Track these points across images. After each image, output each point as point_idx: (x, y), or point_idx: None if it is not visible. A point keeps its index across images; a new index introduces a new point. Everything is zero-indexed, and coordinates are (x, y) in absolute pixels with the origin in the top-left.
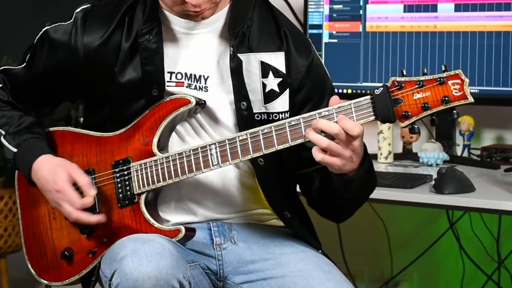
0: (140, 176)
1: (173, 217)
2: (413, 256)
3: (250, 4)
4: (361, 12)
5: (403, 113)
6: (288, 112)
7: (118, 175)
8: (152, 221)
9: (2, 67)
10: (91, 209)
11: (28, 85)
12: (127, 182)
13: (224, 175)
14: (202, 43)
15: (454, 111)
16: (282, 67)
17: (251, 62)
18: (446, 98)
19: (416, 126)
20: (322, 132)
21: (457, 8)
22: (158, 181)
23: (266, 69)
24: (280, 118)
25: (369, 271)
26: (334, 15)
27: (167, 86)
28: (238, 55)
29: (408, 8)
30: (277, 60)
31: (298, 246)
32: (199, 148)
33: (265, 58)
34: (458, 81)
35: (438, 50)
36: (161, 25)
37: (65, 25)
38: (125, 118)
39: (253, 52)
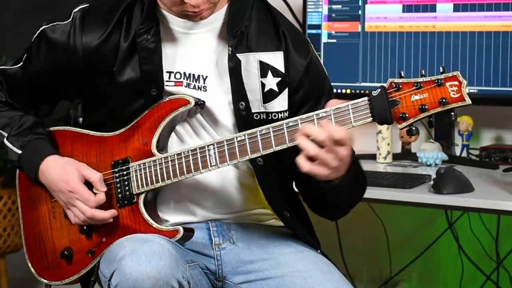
0: (139, 176)
1: (172, 217)
2: (412, 256)
3: (248, 4)
4: (360, 12)
5: (401, 115)
6: (287, 112)
7: (117, 175)
8: (150, 221)
9: None
10: None
11: (25, 85)
12: (126, 182)
13: (223, 175)
14: (201, 43)
15: (452, 113)
16: (281, 67)
17: (250, 61)
18: (444, 100)
19: (414, 128)
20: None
21: (456, 8)
22: (157, 181)
23: (265, 68)
24: (279, 117)
25: (368, 271)
26: (333, 15)
27: (166, 85)
28: (237, 55)
29: (407, 8)
30: (276, 59)
31: (297, 246)
32: (198, 149)
33: (264, 58)
34: (456, 82)
35: (437, 50)
36: (159, 24)
37: (63, 25)
38: (125, 118)
39: (252, 52)
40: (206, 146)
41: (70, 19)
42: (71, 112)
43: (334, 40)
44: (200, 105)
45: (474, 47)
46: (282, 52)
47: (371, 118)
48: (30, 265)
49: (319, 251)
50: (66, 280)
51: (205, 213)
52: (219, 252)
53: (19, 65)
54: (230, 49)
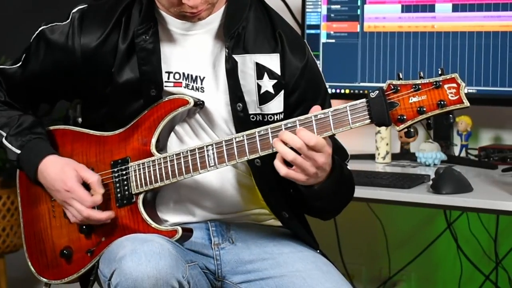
0: (138, 176)
1: (172, 217)
2: (411, 256)
3: (245, 5)
4: (358, 12)
5: (399, 117)
6: (283, 113)
7: (116, 174)
8: (149, 221)
9: None
10: None
11: (24, 85)
12: (125, 182)
13: (222, 176)
14: (198, 44)
15: (450, 115)
16: (277, 69)
17: (247, 63)
18: (442, 102)
19: (412, 130)
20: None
21: (455, 8)
22: (156, 181)
23: (261, 70)
24: (275, 119)
25: (367, 271)
26: (332, 15)
27: (165, 86)
28: (234, 56)
29: (406, 8)
30: (272, 61)
31: (296, 246)
32: (197, 149)
33: (260, 60)
34: (454, 85)
35: (436, 50)
36: (158, 25)
37: (61, 26)
38: (124, 118)
39: (248, 54)
40: (205, 147)
41: (69, 20)
42: (70, 112)
43: (333, 40)
44: (199, 105)
45: (473, 47)
46: (278, 54)
47: (369, 120)
48: (30, 264)
49: (318, 251)
50: (66, 279)
51: (204, 213)
52: (219, 252)
53: (18, 65)
54: (227, 50)
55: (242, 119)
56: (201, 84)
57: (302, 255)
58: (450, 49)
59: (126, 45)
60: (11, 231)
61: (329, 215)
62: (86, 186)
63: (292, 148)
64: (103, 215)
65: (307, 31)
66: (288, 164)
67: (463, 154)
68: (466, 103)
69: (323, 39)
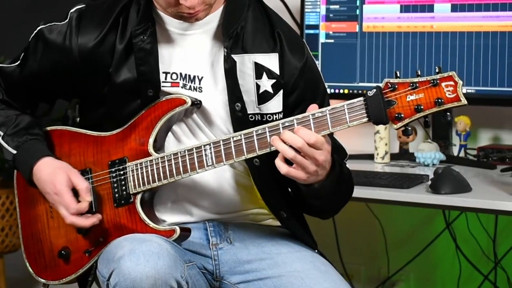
0: (135, 176)
1: (169, 217)
2: (410, 256)
3: (244, 5)
4: (357, 12)
5: (396, 115)
6: (282, 113)
7: (114, 174)
8: (147, 221)
9: None
10: (88, 209)
11: (22, 84)
12: (123, 182)
13: (220, 175)
14: (196, 44)
15: (448, 113)
16: (275, 69)
17: (245, 63)
18: (440, 100)
19: (409, 128)
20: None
21: (454, 8)
22: (154, 181)
23: (260, 70)
24: (274, 119)
25: (366, 271)
26: (331, 15)
27: (163, 86)
28: (232, 56)
29: (405, 8)
30: (271, 61)
31: (294, 246)
32: (194, 149)
33: (259, 59)
34: (452, 83)
35: (435, 51)
36: (155, 25)
37: (60, 25)
38: (122, 118)
39: (247, 53)
40: (202, 146)
41: (67, 20)
42: (69, 112)
43: (332, 40)
44: (196, 105)
45: (471, 47)
46: (277, 54)
47: (367, 118)
48: (28, 264)
49: (316, 250)
50: (64, 279)
51: (202, 213)
52: (217, 252)
53: (16, 63)
54: (226, 50)
55: (240, 119)
56: (199, 84)
57: (300, 255)
58: (449, 49)
59: (123, 45)
60: (10, 231)
61: (328, 214)
62: (76, 192)
63: (291, 147)
64: (87, 222)
65: (306, 31)
66: (288, 162)
67: (462, 154)
68: (464, 101)
69: (322, 39)
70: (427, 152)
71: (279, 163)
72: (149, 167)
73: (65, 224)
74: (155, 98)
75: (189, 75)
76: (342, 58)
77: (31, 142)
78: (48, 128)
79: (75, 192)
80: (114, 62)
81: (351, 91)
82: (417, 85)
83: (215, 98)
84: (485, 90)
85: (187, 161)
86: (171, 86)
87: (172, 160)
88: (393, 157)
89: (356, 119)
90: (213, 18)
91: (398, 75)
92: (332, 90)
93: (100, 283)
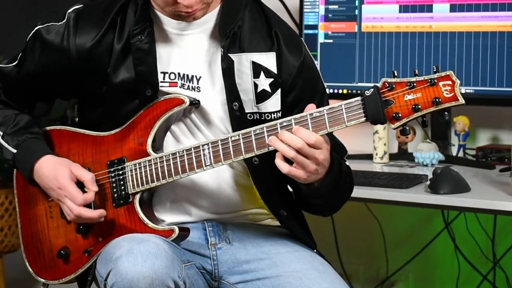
0: (134, 176)
1: (168, 217)
2: (409, 256)
3: (241, 4)
4: (356, 12)
5: (394, 115)
6: (280, 112)
7: (113, 174)
8: (146, 221)
9: None
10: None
11: (20, 84)
12: (121, 182)
13: (219, 175)
14: (194, 44)
15: (446, 113)
16: (273, 68)
17: (243, 62)
18: (437, 100)
19: (407, 128)
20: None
21: (453, 8)
22: (152, 181)
23: (257, 69)
24: (272, 118)
25: (365, 271)
26: (330, 15)
27: (161, 86)
28: (230, 55)
29: (404, 9)
30: (268, 60)
31: (293, 246)
32: (192, 149)
33: (256, 58)
34: (449, 82)
35: (434, 51)
36: (153, 25)
37: (57, 26)
38: (120, 118)
39: (244, 53)
40: (200, 146)
41: (65, 20)
42: (68, 112)
43: (331, 40)
44: (194, 104)
45: (470, 47)
46: (274, 53)
47: (364, 118)
48: (27, 264)
49: (315, 250)
50: (63, 279)
51: (201, 213)
52: (215, 252)
53: (14, 64)
54: (223, 50)
55: (238, 118)
56: (197, 83)
57: (299, 255)
58: (447, 49)
59: (121, 45)
60: (9, 231)
61: (329, 212)
62: (81, 185)
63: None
64: (95, 213)
65: (305, 31)
66: (288, 161)
67: (460, 154)
68: (461, 100)
69: (321, 39)
70: (426, 152)
71: (279, 163)
72: (147, 167)
73: (64, 224)
74: (153, 98)
75: (187, 75)
76: (341, 58)
77: (31, 140)
78: (47, 128)
79: (79, 186)
80: (112, 62)
81: (350, 91)
82: (415, 84)
83: (213, 98)
84: (484, 90)
85: (186, 161)
86: (169, 86)
87: (171, 160)
88: (392, 157)
89: (354, 119)
90: (210, 18)
91: (396, 74)
92: (331, 90)
93: (98, 283)
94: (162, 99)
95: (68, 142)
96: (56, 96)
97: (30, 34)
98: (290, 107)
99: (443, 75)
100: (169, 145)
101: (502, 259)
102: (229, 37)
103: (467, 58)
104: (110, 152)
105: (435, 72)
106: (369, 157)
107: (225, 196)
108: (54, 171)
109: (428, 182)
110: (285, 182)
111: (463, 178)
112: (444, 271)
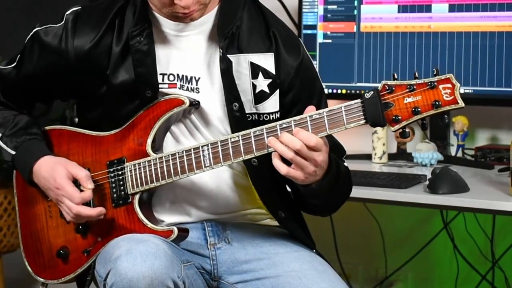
0: (134, 176)
1: (168, 217)
2: (408, 256)
3: (239, 5)
4: (355, 12)
5: (393, 117)
6: (279, 112)
7: (112, 175)
8: (145, 221)
9: None
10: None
11: (19, 85)
12: (121, 182)
13: (218, 176)
14: (192, 45)
15: (445, 116)
16: (271, 68)
17: (241, 63)
18: (437, 103)
19: (407, 131)
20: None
21: (451, 8)
22: (152, 181)
23: (255, 70)
24: (271, 118)
25: (364, 270)
26: (329, 15)
27: (160, 88)
28: (228, 56)
29: (402, 9)
30: (267, 61)
31: (292, 246)
32: (192, 149)
33: (255, 59)
34: (449, 85)
35: (433, 51)
36: (152, 27)
37: (55, 28)
38: (120, 118)
39: (242, 53)
40: (200, 147)
41: (63, 22)
42: (67, 112)
43: (330, 41)
44: (194, 105)
45: (469, 47)
46: (272, 53)
47: (364, 121)
48: (27, 263)
49: (314, 250)
50: (62, 279)
51: (200, 213)
52: (215, 252)
53: (13, 65)
54: (221, 50)
55: (238, 119)
56: (196, 84)
57: (298, 255)
58: (446, 49)
59: (120, 47)
60: (8, 231)
61: (327, 212)
62: (78, 183)
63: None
64: (94, 211)
65: (304, 31)
66: (286, 162)
67: (459, 154)
68: (461, 104)
69: (319, 39)
70: (425, 152)
71: (278, 164)
72: (147, 167)
73: (64, 223)
74: (153, 99)
75: (186, 76)
76: (340, 58)
77: (29, 142)
78: (47, 128)
79: (77, 186)
80: (111, 64)
81: (348, 91)
82: (415, 87)
83: (212, 99)
84: (483, 90)
85: (185, 161)
86: (169, 88)
87: (170, 160)
88: (391, 157)
89: (354, 121)
90: (208, 19)
91: (396, 77)
92: (330, 90)
93: (97, 283)
94: (162, 99)
95: (68, 142)
96: (55, 97)
97: (29, 36)
98: (288, 108)
99: (443, 78)
100: (169, 145)
101: (501, 259)
102: (228, 38)
103: (466, 58)
104: (110, 152)
105: (435, 75)
106: (368, 157)
107: (224, 197)
108: (51, 171)
109: (427, 182)
110: (284, 183)
111: (462, 178)
112: (443, 271)
